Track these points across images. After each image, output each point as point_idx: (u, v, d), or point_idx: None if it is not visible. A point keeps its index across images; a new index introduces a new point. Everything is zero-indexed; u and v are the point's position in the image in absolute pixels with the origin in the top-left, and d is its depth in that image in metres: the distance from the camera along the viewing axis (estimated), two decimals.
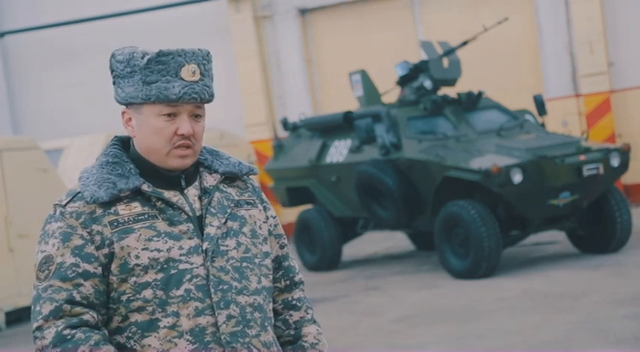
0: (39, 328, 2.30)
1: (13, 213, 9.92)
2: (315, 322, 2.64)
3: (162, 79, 2.35)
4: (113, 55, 2.43)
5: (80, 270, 2.32)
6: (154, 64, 2.36)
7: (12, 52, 16.81)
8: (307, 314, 2.62)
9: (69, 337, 2.27)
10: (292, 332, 2.59)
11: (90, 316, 2.32)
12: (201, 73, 2.38)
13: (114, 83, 2.43)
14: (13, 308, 9.90)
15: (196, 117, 2.41)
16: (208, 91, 2.40)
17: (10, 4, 16.70)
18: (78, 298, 2.31)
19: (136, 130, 2.42)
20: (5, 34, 16.66)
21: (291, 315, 2.60)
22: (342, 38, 15.04)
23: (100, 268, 2.34)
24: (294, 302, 2.61)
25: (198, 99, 2.38)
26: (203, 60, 2.40)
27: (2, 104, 16.64)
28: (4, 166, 9.90)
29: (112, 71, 2.43)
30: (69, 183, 10.84)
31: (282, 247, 2.62)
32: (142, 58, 2.37)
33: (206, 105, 2.46)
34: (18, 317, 9.97)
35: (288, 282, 2.62)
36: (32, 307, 2.35)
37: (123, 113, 2.45)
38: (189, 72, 2.37)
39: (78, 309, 2.31)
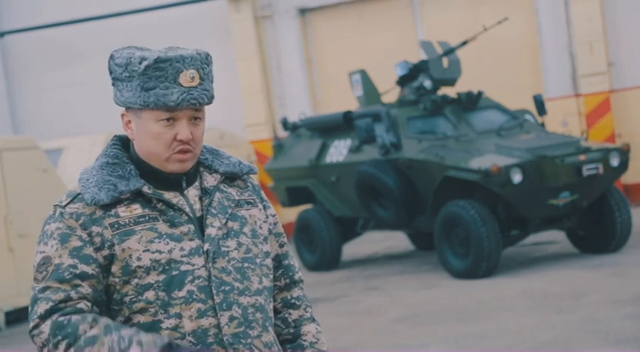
0: (35, 326, 2.31)
1: (13, 213, 9.92)
2: (314, 320, 2.64)
3: (161, 86, 2.34)
4: (112, 57, 2.43)
5: (78, 271, 2.32)
6: (152, 71, 2.35)
7: (12, 52, 16.81)
8: (306, 312, 2.63)
9: (65, 322, 2.27)
10: (291, 331, 2.60)
11: (84, 304, 2.31)
12: (200, 78, 2.37)
13: (113, 84, 2.43)
14: (13, 308, 9.90)
15: (195, 119, 2.40)
16: (207, 95, 2.39)
17: (10, 4, 16.70)
18: (76, 297, 2.31)
19: (136, 134, 2.42)
20: (5, 34, 16.66)
21: (290, 314, 2.61)
22: (342, 38, 15.04)
23: (98, 269, 2.34)
24: (293, 300, 2.61)
25: (196, 104, 2.37)
26: (202, 63, 2.38)
27: (2, 104, 16.64)
28: (4, 166, 9.90)
29: (111, 73, 2.43)
30: (69, 183, 10.85)
31: (281, 246, 2.62)
32: (140, 63, 2.35)
33: (206, 105, 2.45)
34: (18, 317, 9.97)
35: (287, 281, 2.62)
36: (29, 308, 2.35)
37: (122, 115, 2.44)
38: (187, 77, 2.35)
39: (73, 302, 2.30)
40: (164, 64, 2.35)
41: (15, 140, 10.58)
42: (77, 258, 2.33)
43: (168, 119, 2.37)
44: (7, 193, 9.89)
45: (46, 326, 2.28)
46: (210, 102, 2.42)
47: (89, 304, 2.32)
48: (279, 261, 2.61)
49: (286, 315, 2.60)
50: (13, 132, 16.61)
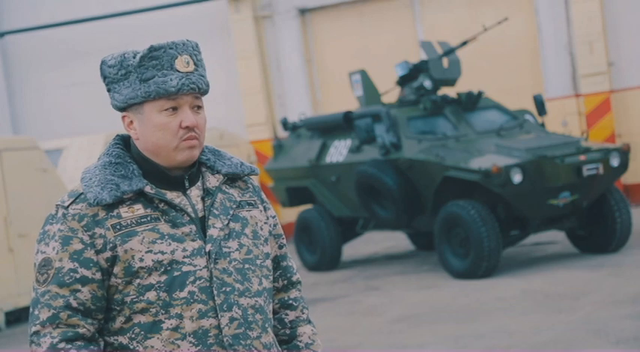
0: (36, 333, 2.32)
1: (13, 213, 9.92)
2: (310, 322, 2.65)
3: (159, 74, 2.35)
4: (103, 62, 2.43)
5: (78, 276, 2.33)
6: (148, 60, 2.36)
7: (12, 52, 16.81)
8: (303, 314, 2.64)
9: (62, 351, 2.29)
10: (288, 332, 2.60)
11: (86, 329, 2.33)
12: (194, 64, 2.39)
13: (108, 90, 2.43)
14: (13, 308, 9.90)
15: (197, 108, 2.41)
16: (204, 81, 2.41)
17: (10, 4, 16.70)
18: (75, 304, 2.32)
19: (139, 132, 2.41)
20: (5, 34, 16.65)
21: (287, 314, 2.61)
22: (342, 38, 15.04)
23: (99, 273, 2.34)
24: (290, 301, 2.62)
25: (196, 88, 2.38)
26: (194, 50, 2.40)
27: (2, 104, 16.64)
28: (4, 166, 9.90)
29: (105, 78, 2.43)
30: (69, 183, 10.85)
31: (280, 247, 2.63)
32: (134, 57, 2.37)
33: (206, 105, 2.46)
34: (18, 317, 9.98)
35: (285, 282, 2.63)
36: (30, 309, 2.36)
37: (123, 117, 2.44)
38: (183, 62, 2.37)
39: (74, 319, 2.32)
40: (158, 51, 2.36)
41: (15, 140, 10.58)
42: (77, 262, 2.33)
43: (171, 108, 2.37)
44: (7, 193, 9.89)
45: (45, 343, 2.29)
46: (207, 90, 2.43)
47: (91, 327, 2.33)
48: (277, 262, 2.61)
49: (283, 316, 2.61)
50: (13, 132, 16.61)
